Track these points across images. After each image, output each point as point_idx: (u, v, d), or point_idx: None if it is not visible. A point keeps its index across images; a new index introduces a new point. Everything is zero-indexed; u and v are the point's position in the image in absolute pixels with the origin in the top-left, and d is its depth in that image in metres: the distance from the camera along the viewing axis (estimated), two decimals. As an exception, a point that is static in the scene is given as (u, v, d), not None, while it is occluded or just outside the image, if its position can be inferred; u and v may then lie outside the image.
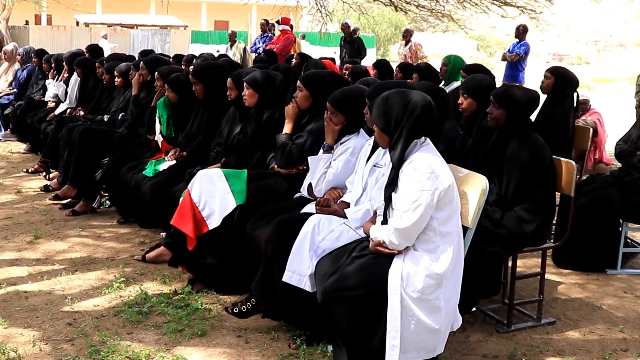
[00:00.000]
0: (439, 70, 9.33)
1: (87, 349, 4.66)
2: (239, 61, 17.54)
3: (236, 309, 5.01)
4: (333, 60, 13.46)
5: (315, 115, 5.61)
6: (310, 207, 5.09)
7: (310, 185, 5.37)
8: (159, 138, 7.69)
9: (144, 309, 5.31)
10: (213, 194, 5.61)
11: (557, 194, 5.54)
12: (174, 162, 7.03)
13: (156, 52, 13.37)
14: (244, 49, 19.89)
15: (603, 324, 5.42)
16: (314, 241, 4.59)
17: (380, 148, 4.66)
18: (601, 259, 6.58)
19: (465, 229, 4.44)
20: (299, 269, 4.56)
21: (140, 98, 8.43)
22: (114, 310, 5.34)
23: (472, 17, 19.28)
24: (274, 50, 15.23)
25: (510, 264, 5.40)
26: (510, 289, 5.26)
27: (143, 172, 7.10)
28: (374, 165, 4.76)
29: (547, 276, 5.68)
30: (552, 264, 6.59)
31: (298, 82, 5.73)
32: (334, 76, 5.94)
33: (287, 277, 4.58)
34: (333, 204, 4.94)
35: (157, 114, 7.67)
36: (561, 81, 7.13)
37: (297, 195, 5.59)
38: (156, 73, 8.00)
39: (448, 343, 4.32)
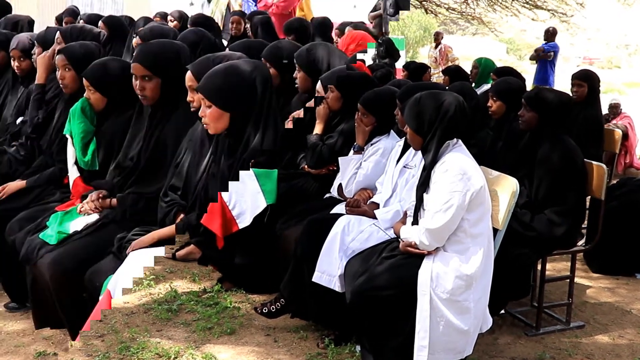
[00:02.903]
0: (469, 72, 9.33)
1: (117, 345, 4.69)
2: (218, 22, 12.65)
3: (265, 309, 5.01)
4: (363, 61, 13.43)
5: (346, 116, 5.62)
6: (340, 208, 5.10)
7: (340, 185, 5.39)
8: (72, 172, 5.07)
9: (173, 306, 5.33)
10: (243, 193, 5.62)
11: (588, 198, 5.52)
12: (94, 216, 4.81)
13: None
14: (228, 7, 14.70)
15: (633, 328, 5.39)
16: (344, 242, 4.60)
17: (410, 149, 4.68)
18: (631, 263, 6.55)
19: (495, 230, 4.44)
20: (329, 270, 4.57)
21: (49, 94, 5.62)
22: (143, 308, 5.37)
23: (502, 20, 19.24)
24: (273, 11, 11.90)
25: (539, 266, 5.38)
26: (540, 292, 5.25)
27: (40, 235, 4.75)
28: (404, 166, 4.78)
29: (576, 280, 5.67)
30: (581, 267, 6.56)
31: (329, 83, 5.74)
32: (366, 77, 5.95)
33: (316, 278, 4.60)
34: (363, 205, 4.96)
35: (66, 129, 5.03)
36: (593, 85, 7.09)
37: (327, 195, 5.61)
38: (60, 54, 5.23)
39: (476, 345, 4.32)
